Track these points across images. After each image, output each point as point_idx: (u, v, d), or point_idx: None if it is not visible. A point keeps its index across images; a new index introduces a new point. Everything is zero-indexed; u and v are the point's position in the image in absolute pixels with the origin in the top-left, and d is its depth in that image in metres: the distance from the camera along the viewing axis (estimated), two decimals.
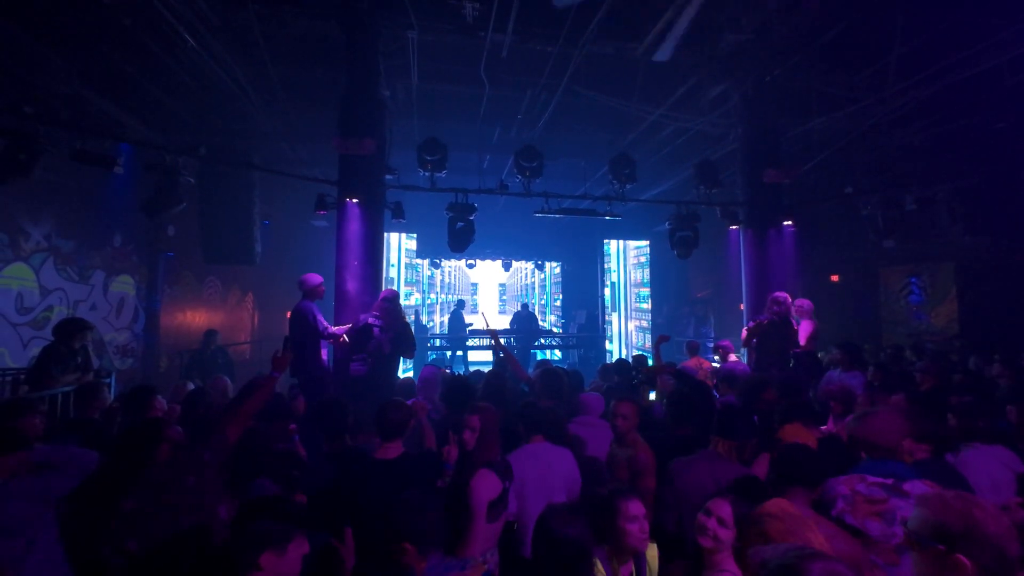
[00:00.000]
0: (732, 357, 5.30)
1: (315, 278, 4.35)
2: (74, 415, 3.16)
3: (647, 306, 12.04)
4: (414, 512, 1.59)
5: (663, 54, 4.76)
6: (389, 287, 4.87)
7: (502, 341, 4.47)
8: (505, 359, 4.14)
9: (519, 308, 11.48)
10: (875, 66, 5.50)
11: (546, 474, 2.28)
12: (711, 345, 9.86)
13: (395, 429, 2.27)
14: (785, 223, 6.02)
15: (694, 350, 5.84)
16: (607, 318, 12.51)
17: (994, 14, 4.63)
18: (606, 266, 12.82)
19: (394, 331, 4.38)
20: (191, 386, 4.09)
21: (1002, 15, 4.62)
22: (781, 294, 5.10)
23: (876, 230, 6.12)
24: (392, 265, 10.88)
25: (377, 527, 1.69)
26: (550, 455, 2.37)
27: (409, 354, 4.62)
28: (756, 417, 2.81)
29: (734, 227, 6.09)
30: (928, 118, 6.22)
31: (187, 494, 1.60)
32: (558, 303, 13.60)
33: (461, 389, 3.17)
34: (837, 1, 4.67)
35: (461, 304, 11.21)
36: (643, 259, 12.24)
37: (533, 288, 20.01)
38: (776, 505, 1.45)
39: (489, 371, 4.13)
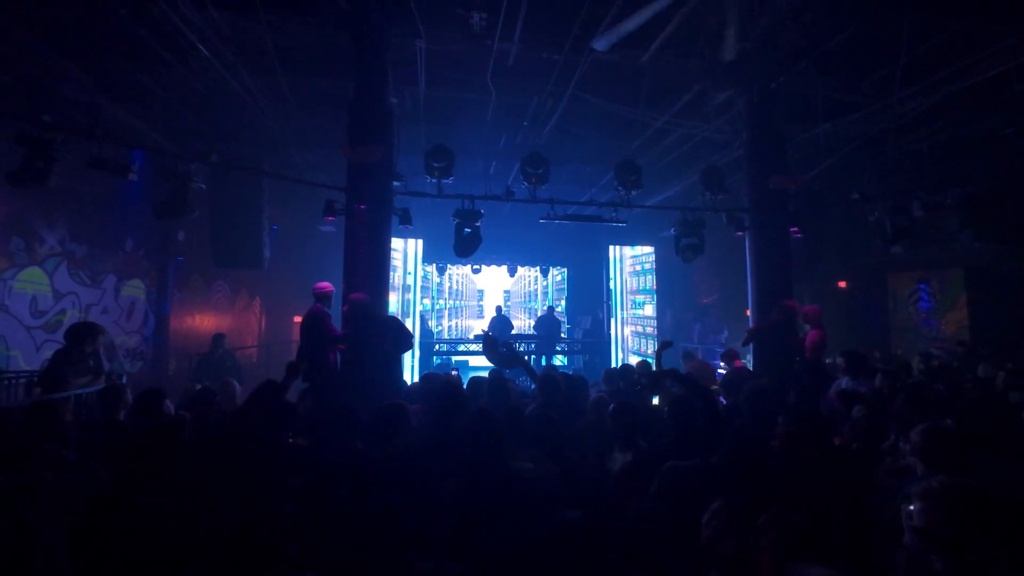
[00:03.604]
0: (738, 363, 5.29)
1: (328, 286, 4.59)
2: (99, 416, 3.22)
3: (643, 312, 12.05)
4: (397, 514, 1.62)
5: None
6: (380, 292, 4.77)
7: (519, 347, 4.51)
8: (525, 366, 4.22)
9: (544, 311, 11.37)
10: (881, 72, 5.50)
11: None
12: (720, 351, 9.83)
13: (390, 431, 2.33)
14: (791, 229, 6.00)
15: (693, 359, 5.82)
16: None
17: (1001, 20, 4.62)
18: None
19: (390, 330, 4.39)
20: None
21: (1009, 21, 4.61)
22: (789, 302, 5.09)
23: (884, 236, 6.08)
24: (409, 273, 10.97)
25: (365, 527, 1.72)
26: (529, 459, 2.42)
27: (406, 348, 4.57)
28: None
29: (740, 233, 6.08)
30: (935, 124, 6.19)
31: (199, 495, 1.63)
32: (560, 309, 13.61)
33: (450, 394, 3.12)
34: (843, 8, 4.69)
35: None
36: (639, 267, 12.28)
37: (536, 295, 20.06)
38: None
39: (492, 374, 4.15)
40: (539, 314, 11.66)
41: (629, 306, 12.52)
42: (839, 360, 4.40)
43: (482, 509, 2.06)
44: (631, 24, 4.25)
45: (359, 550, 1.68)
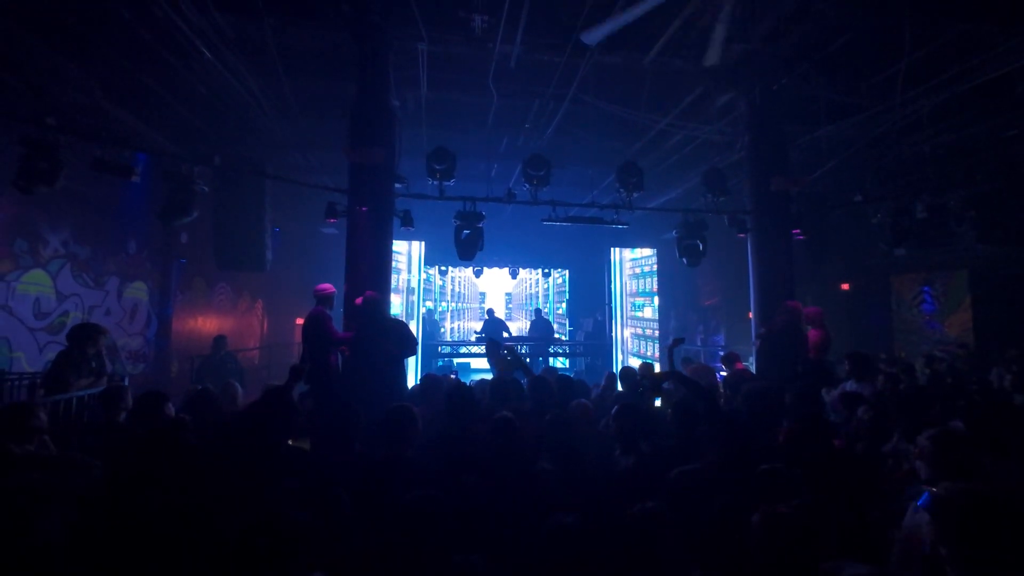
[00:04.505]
0: (739, 366, 5.27)
1: (329, 287, 4.51)
2: (100, 417, 3.22)
3: (642, 314, 12.10)
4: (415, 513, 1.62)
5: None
6: (371, 291, 4.68)
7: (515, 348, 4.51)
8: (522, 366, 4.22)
9: (533, 314, 11.52)
10: (884, 74, 5.49)
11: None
12: (722, 354, 9.81)
13: (399, 432, 2.33)
14: (794, 231, 5.98)
15: (692, 363, 5.81)
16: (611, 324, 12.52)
17: (1003, 23, 4.61)
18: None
19: (393, 333, 4.39)
20: None
21: (1012, 23, 4.60)
22: (792, 302, 5.07)
23: (887, 238, 6.06)
24: (413, 276, 11.02)
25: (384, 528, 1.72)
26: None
27: (411, 352, 4.61)
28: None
29: (742, 235, 6.07)
30: (938, 126, 6.18)
31: (200, 496, 1.63)
32: (560, 311, 13.63)
33: (464, 398, 3.12)
34: (844, 10, 4.69)
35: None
36: (638, 270, 12.32)
37: (537, 297, 20.08)
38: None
39: (493, 379, 4.15)
40: (531, 318, 11.80)
41: (629, 308, 12.57)
42: (846, 365, 4.38)
43: (502, 508, 2.06)
44: (622, 20, 4.23)
45: (385, 549, 1.68)
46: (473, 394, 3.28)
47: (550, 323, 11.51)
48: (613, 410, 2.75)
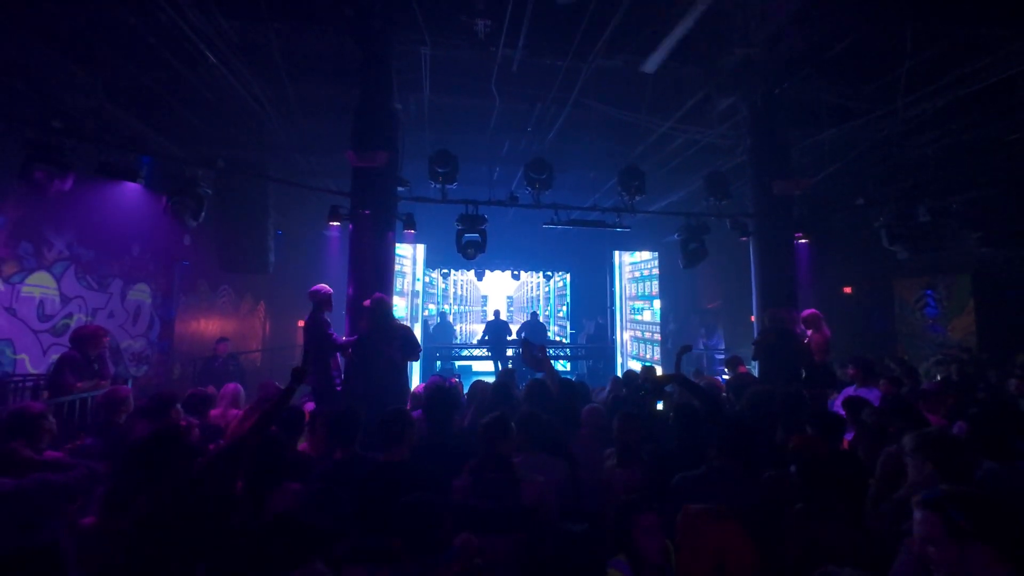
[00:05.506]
0: (742, 369, 5.26)
1: (325, 289, 4.49)
2: (101, 419, 3.23)
3: (641, 318, 12.13)
4: (415, 515, 1.62)
5: (650, 66, 4.79)
6: (379, 294, 4.67)
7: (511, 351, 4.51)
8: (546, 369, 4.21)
9: (528, 317, 11.62)
10: (886, 77, 5.50)
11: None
12: (720, 357, 9.80)
13: (396, 435, 2.33)
14: (796, 234, 5.98)
15: (702, 376, 5.81)
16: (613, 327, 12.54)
17: (1005, 25, 4.61)
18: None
19: (399, 338, 4.40)
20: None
21: (1013, 27, 4.60)
22: (782, 310, 5.06)
23: (889, 241, 6.05)
24: (418, 279, 11.05)
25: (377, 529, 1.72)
26: (544, 465, 2.44)
27: (414, 357, 4.63)
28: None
29: (744, 238, 6.07)
30: (940, 129, 6.17)
31: (203, 497, 1.63)
32: (561, 314, 13.68)
33: (445, 400, 3.01)
34: (846, 14, 4.70)
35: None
36: (638, 273, 12.34)
37: (539, 300, 20.13)
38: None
39: (496, 381, 4.14)
40: (527, 320, 11.89)
41: (628, 312, 12.61)
42: (848, 367, 4.36)
43: (487, 513, 2.05)
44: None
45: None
46: (453, 396, 3.25)
47: (544, 326, 11.65)
48: (616, 420, 2.75)
